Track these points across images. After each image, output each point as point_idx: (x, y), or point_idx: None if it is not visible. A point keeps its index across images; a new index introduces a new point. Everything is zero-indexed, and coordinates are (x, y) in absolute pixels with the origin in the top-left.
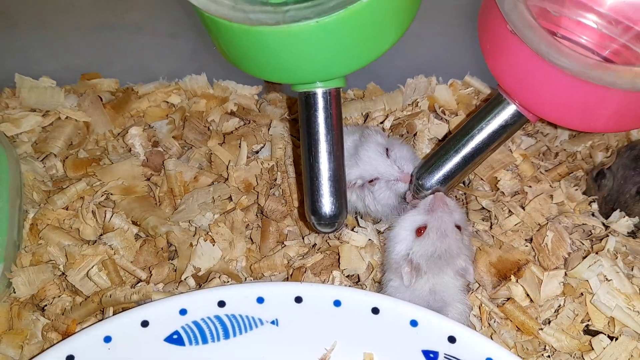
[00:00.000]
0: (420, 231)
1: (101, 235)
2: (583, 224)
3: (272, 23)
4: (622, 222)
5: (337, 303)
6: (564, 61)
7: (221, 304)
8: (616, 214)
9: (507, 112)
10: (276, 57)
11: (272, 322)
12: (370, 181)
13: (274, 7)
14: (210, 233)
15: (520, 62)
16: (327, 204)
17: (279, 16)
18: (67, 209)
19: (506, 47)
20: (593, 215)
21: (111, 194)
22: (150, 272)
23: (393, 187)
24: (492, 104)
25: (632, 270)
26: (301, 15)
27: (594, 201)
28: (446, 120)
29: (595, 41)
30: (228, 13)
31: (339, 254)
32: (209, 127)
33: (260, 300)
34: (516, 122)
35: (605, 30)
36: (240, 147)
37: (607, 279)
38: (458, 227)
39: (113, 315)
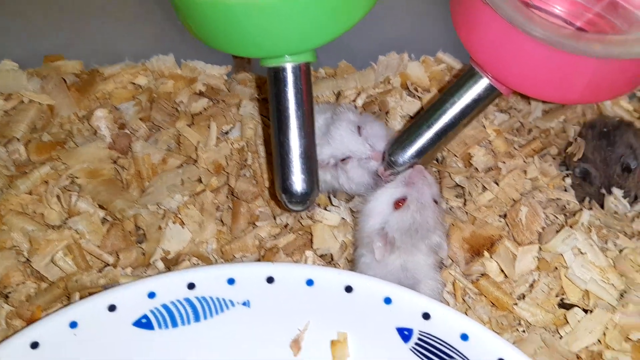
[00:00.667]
0: (398, 204)
1: (66, 219)
2: (557, 199)
3: None
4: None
5: (309, 282)
6: (537, 31)
7: (191, 286)
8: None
9: (479, 86)
10: (243, 30)
11: (244, 304)
12: (343, 160)
13: None
14: (179, 215)
15: (492, 33)
16: (298, 182)
17: None
18: (30, 194)
19: (478, 19)
20: (566, 190)
21: (76, 178)
22: (118, 256)
23: (365, 166)
24: (464, 77)
25: (606, 243)
26: None
27: (567, 176)
28: (418, 97)
29: (569, 10)
30: None
31: (311, 233)
32: (177, 108)
33: (230, 281)
34: (489, 96)
35: (578, 0)
36: (209, 127)
37: (581, 252)
38: (435, 202)
39: (79, 300)
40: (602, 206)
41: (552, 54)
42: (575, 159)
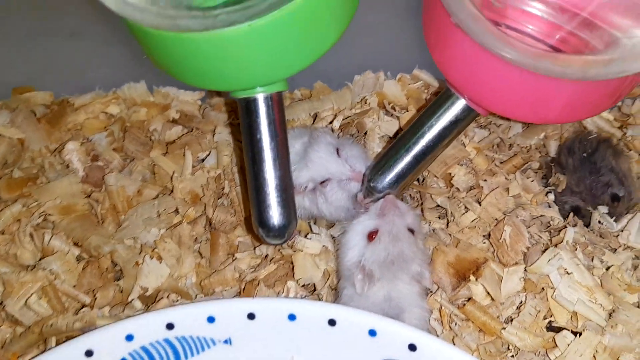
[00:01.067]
0: (371, 236)
1: (40, 259)
2: (541, 216)
3: (202, 28)
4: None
5: (291, 317)
6: (509, 52)
7: (170, 326)
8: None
9: (456, 107)
10: (210, 64)
11: (225, 342)
12: (322, 182)
13: (203, 11)
14: (156, 249)
15: (465, 55)
16: (275, 215)
17: (208, 21)
18: (2, 233)
19: (451, 41)
20: (549, 206)
21: (49, 215)
22: (95, 295)
23: (346, 187)
24: (441, 99)
25: (592, 260)
26: (232, 19)
27: (551, 192)
28: (397, 116)
29: (542, 30)
30: (154, 20)
31: (292, 263)
32: (150, 137)
33: (211, 319)
34: (467, 117)
35: (551, 19)
36: (184, 156)
37: (567, 272)
38: (411, 231)
39: (56, 345)
40: (587, 224)
41: (526, 75)
42: (559, 190)
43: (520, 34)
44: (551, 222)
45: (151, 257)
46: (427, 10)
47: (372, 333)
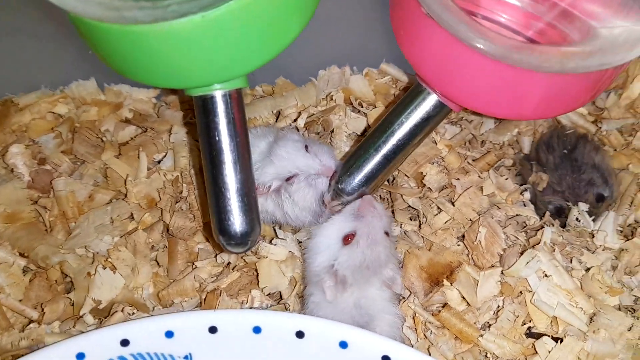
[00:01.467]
0: (347, 239)
1: None
2: (517, 215)
3: (151, 20)
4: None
5: (256, 330)
6: (485, 44)
7: (124, 342)
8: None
9: (428, 103)
10: (161, 60)
11: (185, 358)
12: (288, 179)
13: (152, 2)
14: (110, 259)
15: (437, 47)
16: (236, 221)
17: (158, 12)
18: None
19: (421, 32)
20: (525, 205)
21: None
22: (43, 310)
23: (314, 183)
24: (411, 95)
25: (570, 262)
26: (184, 9)
27: (526, 190)
28: (364, 113)
29: (519, 21)
30: (98, 12)
31: (257, 270)
32: (102, 138)
33: (169, 334)
34: (439, 113)
35: (529, 9)
36: (139, 158)
37: (546, 275)
38: (386, 234)
39: None
40: (563, 225)
41: (502, 68)
42: (539, 188)
43: (495, 24)
44: (527, 222)
45: (104, 267)
46: (396, 0)
47: (343, 345)
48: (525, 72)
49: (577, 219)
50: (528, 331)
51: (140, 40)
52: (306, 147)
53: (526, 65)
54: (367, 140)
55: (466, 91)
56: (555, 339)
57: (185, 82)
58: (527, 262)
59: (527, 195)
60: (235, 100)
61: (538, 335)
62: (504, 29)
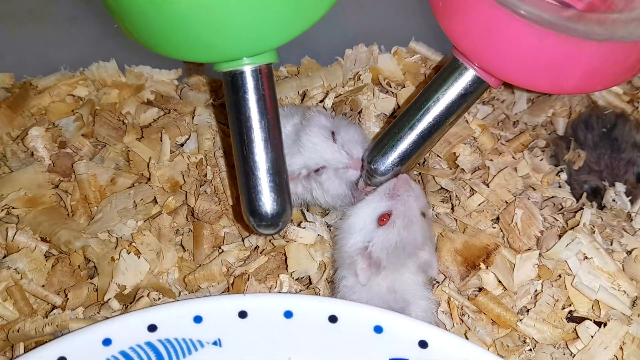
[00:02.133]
0: (383, 219)
1: (4, 257)
2: (553, 197)
3: None
4: None
5: (288, 314)
6: (531, 11)
7: (152, 328)
8: None
9: (465, 79)
10: (191, 31)
11: (214, 343)
12: (317, 170)
13: None
14: (134, 244)
15: (480, 18)
16: (267, 202)
17: None
18: None
19: (462, 2)
20: (560, 186)
21: (13, 208)
22: (67, 295)
23: (343, 176)
24: (447, 70)
25: (611, 244)
26: None
27: (562, 171)
28: (393, 93)
29: None
30: None
31: (285, 254)
32: (123, 121)
33: (198, 319)
34: (477, 89)
35: None
36: (161, 140)
37: (586, 257)
38: (423, 215)
39: (24, 353)
40: (600, 206)
41: (547, 37)
42: (575, 167)
43: None
44: (563, 204)
45: (128, 252)
46: None
47: (378, 329)
48: (571, 42)
49: (613, 200)
50: (569, 315)
51: (169, 9)
52: (333, 133)
53: (573, 34)
54: (401, 119)
55: (508, 64)
56: (598, 323)
57: (214, 56)
58: (567, 245)
59: (564, 176)
60: (266, 76)
61: (579, 320)
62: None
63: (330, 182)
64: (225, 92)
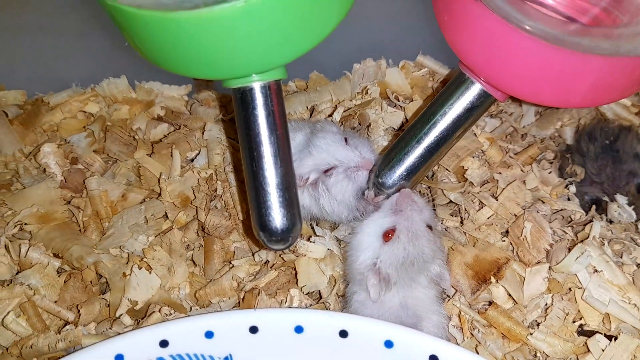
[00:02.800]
0: (387, 235)
1: (17, 273)
2: (562, 210)
3: (190, 6)
4: None
5: (298, 329)
6: (536, 26)
7: (163, 343)
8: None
9: (472, 93)
10: (200, 48)
11: (226, 359)
12: (327, 171)
13: None
14: (145, 259)
15: (485, 33)
16: (277, 217)
17: None
18: None
19: (468, 17)
20: (569, 199)
21: (26, 224)
22: (79, 311)
23: (353, 176)
24: (454, 84)
25: (621, 257)
26: None
27: (571, 183)
28: (401, 106)
29: (571, 4)
30: None
31: (295, 269)
32: (134, 137)
33: (209, 334)
34: (483, 103)
35: None
36: (172, 156)
37: (596, 270)
38: (429, 227)
39: None
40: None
41: (552, 52)
42: (577, 179)
43: (546, 8)
44: (572, 217)
45: (140, 267)
46: None
47: (389, 344)
48: (577, 56)
49: (618, 213)
50: (580, 329)
51: (178, 28)
52: (345, 139)
53: (579, 49)
54: (408, 132)
55: (514, 78)
56: (609, 337)
57: (224, 73)
58: (577, 258)
59: (573, 189)
60: (275, 92)
61: (590, 333)
62: (553, 12)
63: (339, 183)
64: (235, 108)
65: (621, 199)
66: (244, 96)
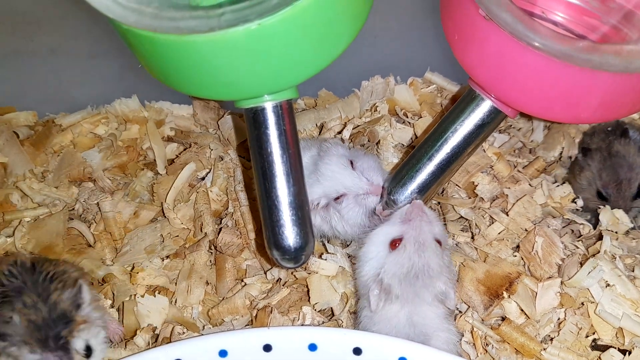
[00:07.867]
0: (394, 244)
1: None
2: (571, 223)
3: (206, 30)
4: None
5: (312, 347)
6: (545, 43)
7: None
8: None
9: (482, 109)
10: (214, 71)
11: None
12: (337, 198)
13: (206, 10)
14: (157, 278)
15: (496, 50)
16: (290, 236)
17: (213, 21)
18: None
19: (478, 35)
20: (579, 210)
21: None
22: None
23: (363, 202)
24: (464, 101)
25: (632, 271)
26: (239, 17)
27: (578, 197)
28: (410, 123)
29: (580, 22)
30: (152, 23)
31: (307, 286)
32: (145, 156)
33: (223, 353)
34: (494, 120)
35: (592, 10)
36: (183, 175)
37: (608, 284)
38: (438, 242)
39: None
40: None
41: (561, 69)
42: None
43: (554, 25)
44: (582, 231)
45: (153, 287)
46: (449, 3)
47: None
48: (587, 73)
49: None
50: (593, 344)
51: (193, 50)
52: (352, 162)
53: (588, 65)
54: (419, 149)
55: (524, 95)
56: (623, 351)
57: (236, 94)
58: (589, 272)
59: (580, 202)
60: (286, 112)
61: (604, 348)
62: (563, 30)
63: (351, 210)
64: (248, 128)
65: (618, 213)
66: (256, 116)
